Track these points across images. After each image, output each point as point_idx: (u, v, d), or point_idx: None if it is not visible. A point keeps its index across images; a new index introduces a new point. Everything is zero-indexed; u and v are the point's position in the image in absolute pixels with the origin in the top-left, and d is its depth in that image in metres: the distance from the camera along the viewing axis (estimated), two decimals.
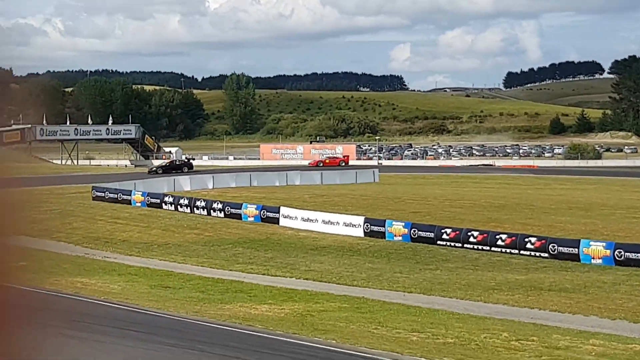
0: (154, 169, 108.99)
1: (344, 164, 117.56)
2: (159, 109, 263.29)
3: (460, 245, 67.75)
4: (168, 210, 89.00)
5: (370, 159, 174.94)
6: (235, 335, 42.65)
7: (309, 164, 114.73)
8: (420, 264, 62.64)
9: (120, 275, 58.06)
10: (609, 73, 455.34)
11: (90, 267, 61.02)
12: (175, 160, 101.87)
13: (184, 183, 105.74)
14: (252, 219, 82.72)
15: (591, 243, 63.24)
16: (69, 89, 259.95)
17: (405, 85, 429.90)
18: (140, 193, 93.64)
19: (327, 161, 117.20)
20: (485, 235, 68.11)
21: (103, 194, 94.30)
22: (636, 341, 40.87)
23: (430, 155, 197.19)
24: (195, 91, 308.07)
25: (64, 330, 42.68)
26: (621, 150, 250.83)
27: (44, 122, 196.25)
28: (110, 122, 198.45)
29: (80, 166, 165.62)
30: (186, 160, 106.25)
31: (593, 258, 62.07)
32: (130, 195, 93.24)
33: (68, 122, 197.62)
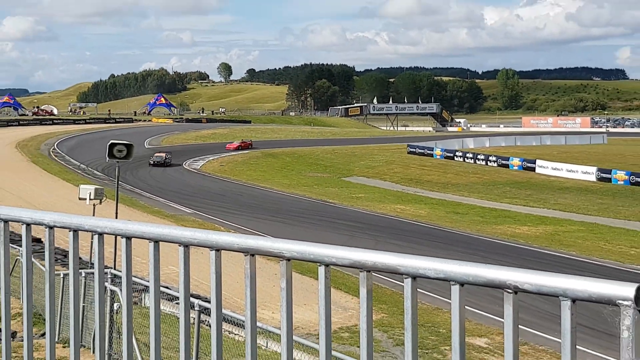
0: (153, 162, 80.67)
1: (251, 147, 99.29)
2: (452, 93, 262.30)
3: None
4: (458, 161, 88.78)
5: (601, 127, 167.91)
6: (505, 246, 42.43)
7: (226, 147, 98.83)
8: (637, 200, 60.27)
9: (425, 204, 58.52)
10: None
11: (405, 198, 61.76)
12: (165, 155, 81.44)
13: (469, 142, 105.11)
14: (516, 167, 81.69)
15: None
16: (392, 80, 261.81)
17: (626, 75, 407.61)
18: (440, 149, 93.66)
19: (242, 144, 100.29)
20: None
21: (414, 150, 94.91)
22: None
23: None
24: (477, 81, 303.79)
25: (389, 239, 43.51)
26: None
27: (375, 101, 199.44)
28: (419, 102, 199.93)
29: (399, 131, 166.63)
30: (167, 159, 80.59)
31: None
32: (432, 150, 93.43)
33: (391, 102, 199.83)
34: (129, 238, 2.79)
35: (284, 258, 2.46)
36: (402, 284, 2.33)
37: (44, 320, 3.29)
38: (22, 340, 3.11)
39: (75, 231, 2.96)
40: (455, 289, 2.20)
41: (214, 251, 2.58)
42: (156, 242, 2.73)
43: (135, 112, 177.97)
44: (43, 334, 10.96)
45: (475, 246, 41.67)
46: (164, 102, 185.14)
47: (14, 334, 4.53)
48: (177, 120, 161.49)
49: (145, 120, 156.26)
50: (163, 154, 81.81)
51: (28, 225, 3.09)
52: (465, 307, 2.26)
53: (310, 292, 24.18)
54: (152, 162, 78.12)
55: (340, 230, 45.03)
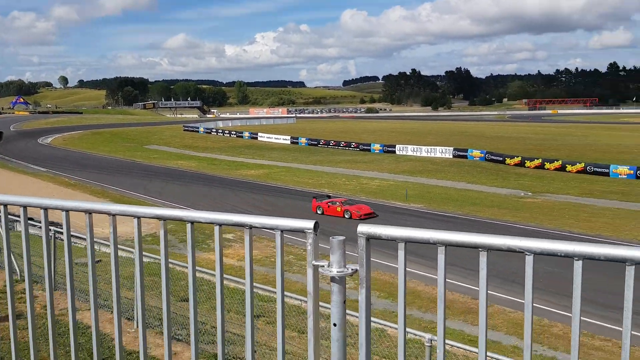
0: None
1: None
2: (209, 95, 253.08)
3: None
4: (214, 134, 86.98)
5: (292, 113, 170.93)
6: (242, 182, 42.28)
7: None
8: (312, 153, 62.06)
9: (195, 160, 56.82)
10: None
11: (183, 157, 59.61)
12: None
13: (220, 123, 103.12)
14: (247, 137, 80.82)
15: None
16: (172, 87, 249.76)
17: (305, 85, 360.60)
18: (203, 127, 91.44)
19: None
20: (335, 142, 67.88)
21: (187, 128, 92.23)
22: None
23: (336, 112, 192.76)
24: (223, 88, 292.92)
25: (173, 181, 41.82)
26: None
27: (163, 99, 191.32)
28: (189, 100, 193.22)
29: (178, 117, 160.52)
30: None
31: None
32: (198, 128, 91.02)
33: (172, 100, 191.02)
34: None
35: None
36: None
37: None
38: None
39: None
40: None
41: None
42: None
43: (2, 107, 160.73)
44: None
45: (225, 183, 41.49)
46: (22, 101, 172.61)
47: None
48: (32, 112, 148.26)
49: (9, 113, 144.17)
50: None
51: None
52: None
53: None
54: None
55: (144, 178, 42.99)
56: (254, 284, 2.11)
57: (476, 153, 53.76)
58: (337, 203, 29.55)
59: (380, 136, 77.23)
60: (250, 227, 2.00)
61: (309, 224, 1.86)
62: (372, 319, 10.65)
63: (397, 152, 59.94)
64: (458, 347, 8.32)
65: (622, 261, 1.51)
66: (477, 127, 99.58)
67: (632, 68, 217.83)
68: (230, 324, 9.28)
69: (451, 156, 55.42)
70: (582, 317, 1.62)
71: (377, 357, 9.14)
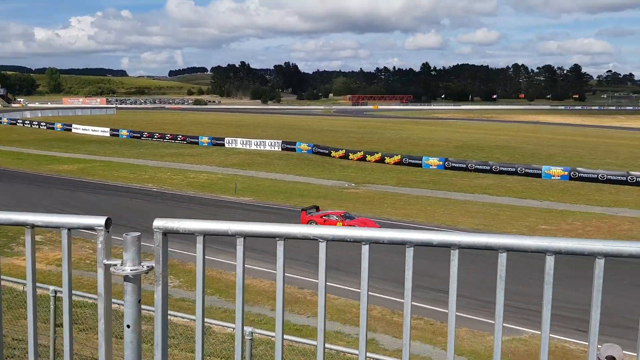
0: None
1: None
2: (14, 83, 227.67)
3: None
4: (20, 126, 78.89)
5: (112, 104, 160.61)
6: (53, 178, 38.94)
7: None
8: (134, 146, 59.28)
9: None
10: None
11: None
12: None
13: (27, 114, 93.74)
14: (59, 129, 74.84)
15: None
16: None
17: (127, 74, 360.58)
18: (6, 118, 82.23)
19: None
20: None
21: None
22: None
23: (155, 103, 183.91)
24: (32, 75, 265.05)
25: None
26: None
27: None
28: None
29: None
30: None
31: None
32: (1, 119, 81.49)
33: None
34: None
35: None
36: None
37: None
38: None
39: None
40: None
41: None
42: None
43: None
44: None
45: (33, 179, 37.70)
46: None
47: None
48: None
49: None
50: None
51: None
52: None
53: None
54: None
55: None
56: (61, 288, 1.95)
57: (304, 146, 55.65)
58: (335, 217, 25.54)
59: (209, 129, 76.20)
60: (32, 226, 1.83)
61: (99, 221, 1.76)
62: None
63: (226, 145, 59.64)
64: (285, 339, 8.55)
65: (402, 243, 1.66)
66: (305, 120, 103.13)
67: (442, 68, 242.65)
68: (40, 336, 8.47)
69: (280, 149, 56.64)
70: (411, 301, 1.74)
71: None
